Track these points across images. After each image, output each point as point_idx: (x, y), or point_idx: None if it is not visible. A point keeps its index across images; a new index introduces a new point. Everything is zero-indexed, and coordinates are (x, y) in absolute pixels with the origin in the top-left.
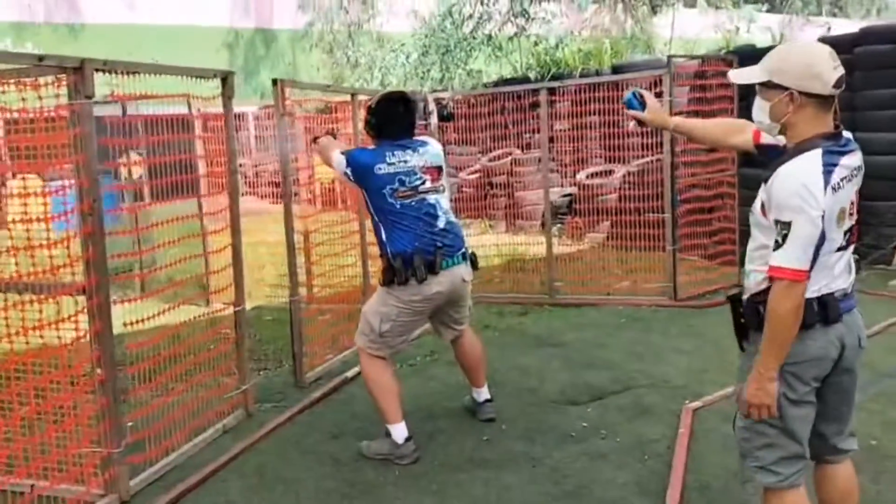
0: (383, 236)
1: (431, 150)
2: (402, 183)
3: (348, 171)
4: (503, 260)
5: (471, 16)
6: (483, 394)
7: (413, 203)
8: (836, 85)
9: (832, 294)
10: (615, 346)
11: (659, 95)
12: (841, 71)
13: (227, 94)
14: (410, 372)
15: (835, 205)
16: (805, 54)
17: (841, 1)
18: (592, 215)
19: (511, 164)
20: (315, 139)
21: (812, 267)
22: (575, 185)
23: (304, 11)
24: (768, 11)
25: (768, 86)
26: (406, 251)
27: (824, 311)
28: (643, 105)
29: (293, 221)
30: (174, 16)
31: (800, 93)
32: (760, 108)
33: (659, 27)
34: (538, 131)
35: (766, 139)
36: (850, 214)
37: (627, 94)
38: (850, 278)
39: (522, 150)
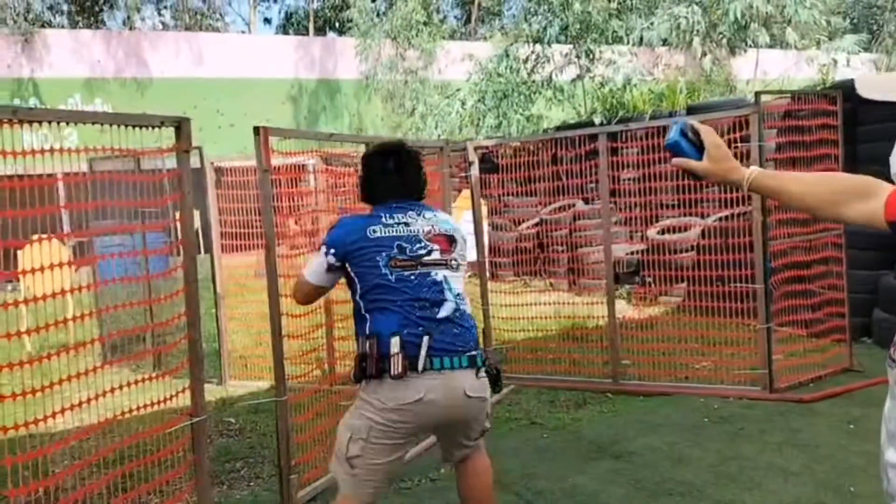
0: (365, 318)
1: (441, 216)
2: (401, 250)
3: (329, 257)
4: (561, 326)
5: (527, 59)
6: None
7: (412, 277)
8: None
9: None
10: (696, 462)
11: (743, 140)
12: None
13: (183, 147)
14: (429, 490)
15: None
16: None
17: None
18: (665, 275)
19: (573, 217)
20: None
21: None
22: (645, 241)
23: (363, 60)
24: (863, 51)
25: None
26: (384, 332)
27: None
28: (698, 148)
29: (278, 299)
30: (240, 69)
31: None
32: None
33: (738, 69)
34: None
35: None
36: None
37: (671, 132)
38: None
39: (586, 203)
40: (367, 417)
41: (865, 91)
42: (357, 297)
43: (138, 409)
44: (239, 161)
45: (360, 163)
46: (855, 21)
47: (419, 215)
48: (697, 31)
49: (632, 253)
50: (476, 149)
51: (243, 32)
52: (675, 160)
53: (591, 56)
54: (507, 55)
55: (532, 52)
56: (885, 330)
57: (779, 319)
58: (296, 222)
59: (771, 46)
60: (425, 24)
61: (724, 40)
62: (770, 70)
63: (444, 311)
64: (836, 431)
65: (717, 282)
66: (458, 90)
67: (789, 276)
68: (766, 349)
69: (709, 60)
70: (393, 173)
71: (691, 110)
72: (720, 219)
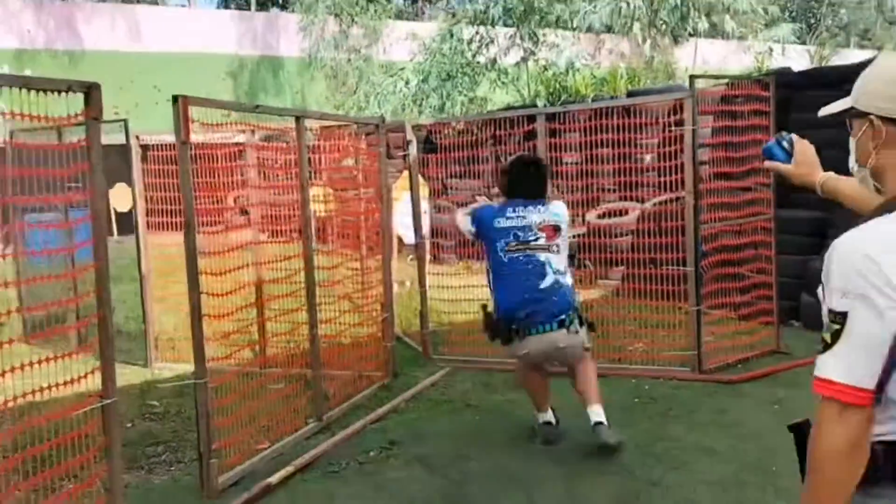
0: (491, 288)
1: (554, 209)
2: (516, 237)
3: (473, 229)
4: None
5: (471, 40)
6: (596, 414)
7: (521, 258)
8: None
9: None
10: (627, 442)
11: (678, 124)
12: None
13: (92, 113)
14: (358, 473)
15: None
16: (893, 67)
17: (870, 33)
18: (604, 259)
19: None
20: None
21: (882, 386)
22: (585, 225)
23: (306, 36)
24: (798, 42)
25: (853, 114)
26: (501, 310)
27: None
28: (789, 154)
29: (197, 277)
30: (179, 43)
31: (881, 119)
32: (851, 149)
33: (679, 58)
34: None
35: None
36: None
37: (770, 141)
38: None
39: None
40: (512, 353)
41: (824, 112)
42: (489, 268)
43: (50, 388)
44: (169, 136)
45: (504, 168)
46: (793, 14)
47: (535, 209)
48: (639, 17)
49: (572, 237)
50: (415, 128)
51: (183, 6)
52: (767, 163)
53: (534, 39)
54: (451, 35)
55: (476, 34)
56: (813, 313)
57: (709, 302)
58: (235, 201)
59: (711, 36)
60: (370, 1)
61: (665, 27)
62: (709, 59)
63: (545, 283)
64: (762, 412)
65: (651, 265)
66: (401, 69)
67: (720, 260)
68: (697, 331)
69: (649, 47)
70: (533, 177)
71: (631, 95)
72: (657, 203)
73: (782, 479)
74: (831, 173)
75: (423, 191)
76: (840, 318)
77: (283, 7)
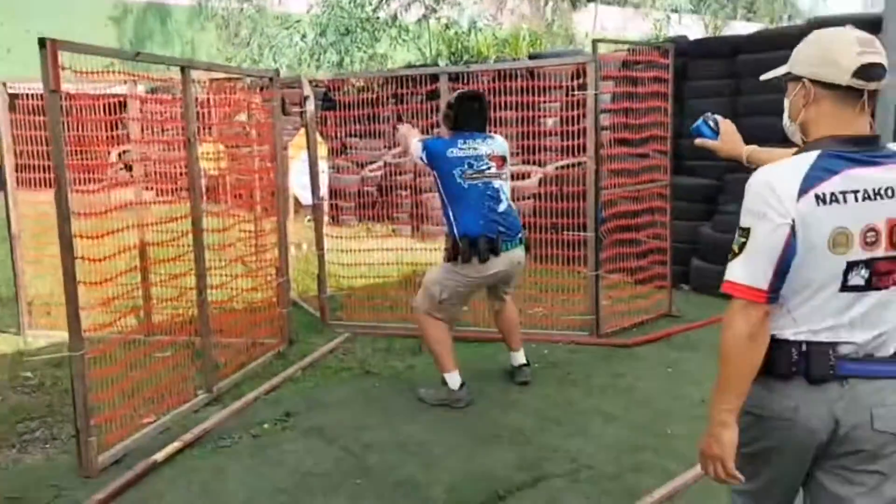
0: (451, 216)
1: (497, 140)
2: (470, 166)
3: (423, 156)
4: (402, 273)
5: None
6: (519, 357)
7: (479, 185)
8: (860, 74)
9: (830, 344)
10: (524, 406)
11: (581, 88)
12: (871, 58)
13: None
14: (251, 447)
15: (825, 221)
16: (827, 37)
17: (755, 6)
18: None
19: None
20: (395, 127)
21: (774, 289)
22: None
23: None
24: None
25: (788, 78)
26: (471, 233)
27: (807, 362)
28: (715, 132)
29: (71, 240)
30: None
31: (812, 81)
32: (785, 107)
33: (579, 23)
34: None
35: None
36: (871, 243)
37: (698, 121)
38: (883, 335)
39: None
40: (456, 280)
41: (765, 77)
42: (443, 195)
43: None
44: (39, 84)
45: (449, 102)
46: None
47: (483, 141)
48: None
49: None
50: (312, 83)
51: None
52: (697, 140)
53: None
54: None
55: None
56: (702, 277)
57: (607, 267)
58: (119, 156)
59: (607, 3)
60: None
61: None
62: (608, 24)
63: (502, 207)
64: (656, 375)
65: (552, 230)
66: (297, 22)
67: (618, 226)
68: (595, 296)
69: (549, 10)
70: (477, 111)
71: (533, 58)
72: (559, 167)
73: (677, 442)
74: (754, 146)
75: (322, 150)
76: (745, 232)
77: None
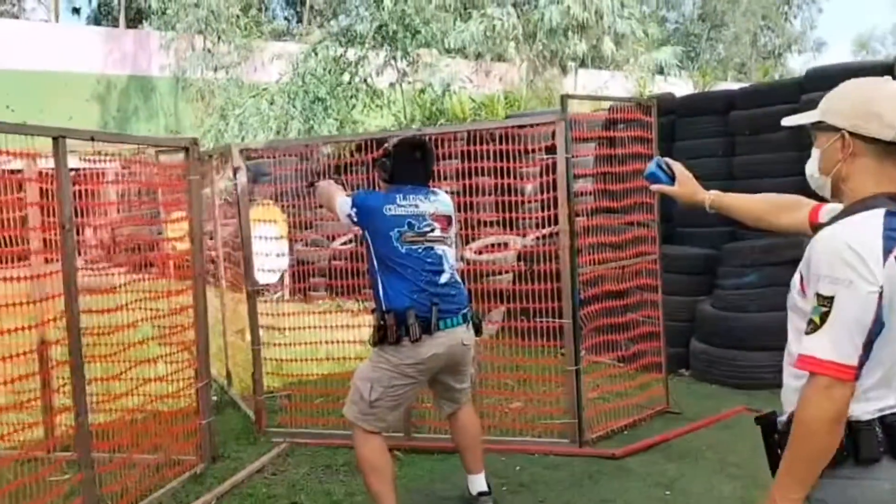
0: (380, 288)
1: (442, 198)
2: (410, 227)
3: (352, 213)
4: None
5: (339, 58)
6: (478, 483)
7: (419, 250)
8: None
9: None
10: None
11: (550, 150)
12: None
13: None
14: None
15: None
16: (866, 88)
17: (745, 67)
18: (484, 300)
19: None
20: (311, 184)
21: (862, 364)
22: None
23: (166, 52)
24: (680, 66)
25: (821, 128)
26: (400, 306)
27: (891, 440)
28: (671, 177)
29: None
30: (37, 61)
31: (852, 135)
32: (813, 158)
33: (560, 85)
34: None
35: (825, 217)
36: None
37: (650, 165)
38: None
39: None
40: (386, 370)
41: (788, 122)
42: (374, 262)
43: None
44: None
45: (386, 149)
46: (675, 45)
47: (426, 198)
48: (515, 35)
49: None
50: (243, 151)
51: (46, 21)
52: (654, 186)
53: (408, 58)
54: (316, 53)
55: (344, 51)
56: (703, 362)
57: (589, 358)
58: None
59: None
60: (238, 17)
61: (544, 48)
62: (589, 86)
63: (444, 279)
64: (651, 499)
65: (523, 316)
66: (264, 89)
67: (600, 309)
68: (576, 396)
69: (525, 69)
70: (418, 162)
71: (508, 119)
72: (538, 239)
73: None
74: (717, 191)
75: (280, 226)
76: (827, 301)
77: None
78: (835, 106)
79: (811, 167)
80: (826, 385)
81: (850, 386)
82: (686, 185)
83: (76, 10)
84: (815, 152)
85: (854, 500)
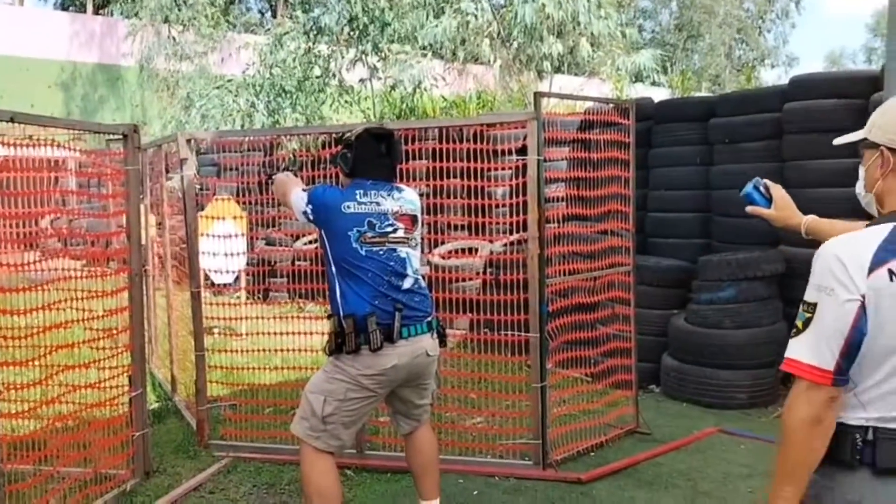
0: (337, 292)
1: (408, 196)
2: (371, 227)
3: (308, 210)
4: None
5: (307, 51)
6: None
7: (381, 252)
8: None
9: None
10: None
11: (522, 151)
12: None
13: None
14: None
15: None
16: None
17: (719, 79)
18: (449, 309)
19: None
20: (270, 176)
21: (841, 371)
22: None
23: (132, 40)
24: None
25: (865, 145)
26: (360, 312)
27: (873, 452)
28: (768, 199)
29: None
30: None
31: (890, 150)
32: (860, 176)
33: (536, 86)
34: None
35: None
36: None
37: (747, 186)
38: None
39: None
40: (341, 381)
41: (840, 141)
42: (330, 264)
43: None
44: None
45: (348, 140)
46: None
47: (389, 195)
48: (489, 33)
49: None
50: (190, 141)
51: (11, 4)
52: (749, 208)
53: (379, 53)
54: (282, 45)
55: (313, 44)
56: (674, 379)
57: (556, 375)
58: None
59: (564, 67)
60: (204, 6)
61: (520, 50)
62: (566, 86)
63: (407, 284)
64: None
65: (486, 329)
66: (229, 81)
67: (570, 322)
68: (540, 414)
69: (498, 67)
70: (383, 155)
71: (479, 117)
72: (506, 245)
73: None
74: (813, 216)
75: (241, 222)
76: (811, 307)
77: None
78: (877, 122)
79: (859, 185)
80: (806, 388)
81: (829, 390)
82: (783, 209)
83: None
84: (861, 170)
85: (820, 501)
